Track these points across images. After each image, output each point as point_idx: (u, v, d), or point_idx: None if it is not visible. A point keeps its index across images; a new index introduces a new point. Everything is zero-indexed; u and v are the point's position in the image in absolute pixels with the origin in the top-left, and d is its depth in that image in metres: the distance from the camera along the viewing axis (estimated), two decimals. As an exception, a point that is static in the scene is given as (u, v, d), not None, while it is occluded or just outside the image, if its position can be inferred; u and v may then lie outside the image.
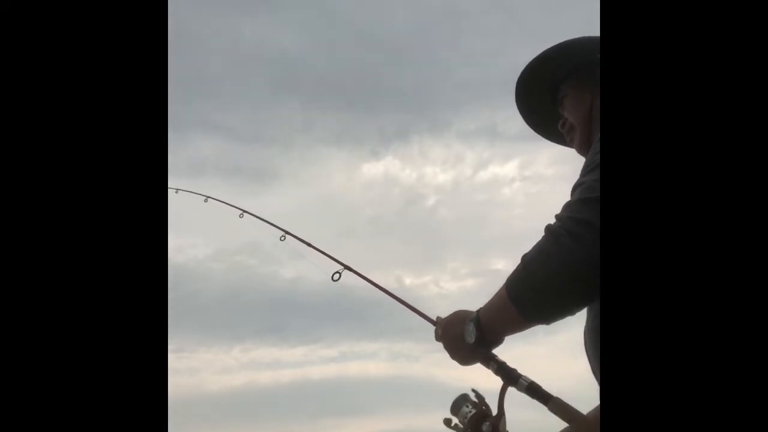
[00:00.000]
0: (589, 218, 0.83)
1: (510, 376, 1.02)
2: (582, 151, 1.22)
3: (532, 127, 1.37)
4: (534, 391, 0.99)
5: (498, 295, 0.98)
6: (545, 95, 1.29)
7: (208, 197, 2.27)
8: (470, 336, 1.02)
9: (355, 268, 1.60)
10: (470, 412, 1.06)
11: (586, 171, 0.91)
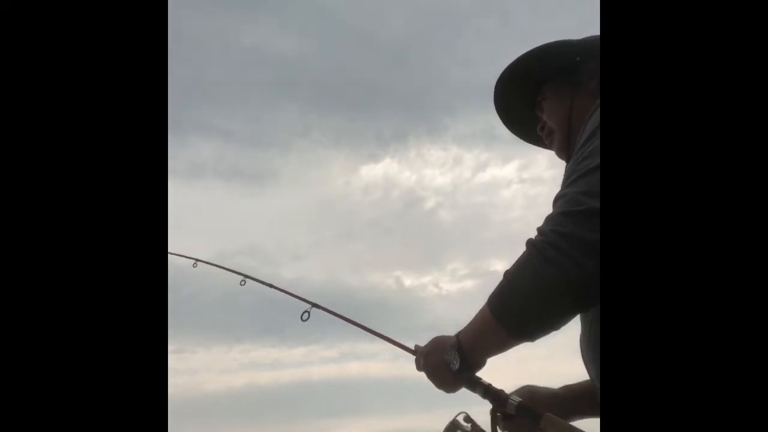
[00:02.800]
0: (573, 231, 0.81)
1: (498, 398, 1.01)
2: (561, 154, 1.21)
3: (510, 130, 1.36)
4: (524, 410, 0.98)
5: (480, 316, 0.96)
6: (524, 97, 1.27)
7: None
8: (453, 362, 1.00)
9: (323, 305, 1.50)
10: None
11: (567, 182, 0.89)
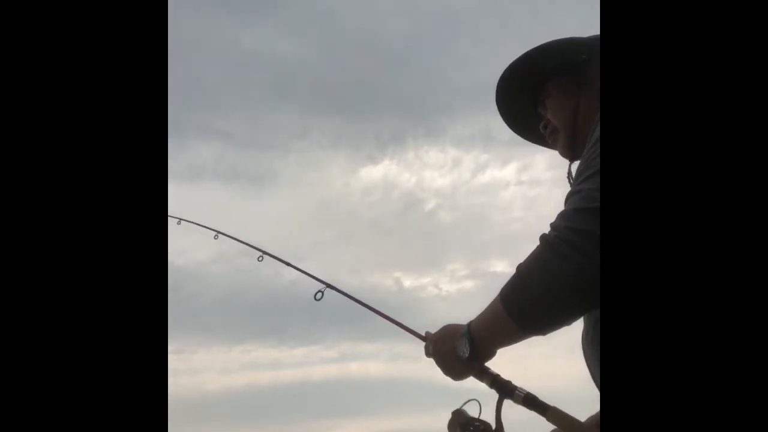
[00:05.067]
0: (588, 228, 0.81)
1: (505, 389, 1.02)
2: (565, 153, 1.20)
3: (511, 128, 1.34)
4: (531, 402, 0.98)
5: (492, 307, 0.96)
6: (527, 95, 1.25)
7: (181, 219, 2.14)
8: (463, 351, 1.01)
9: (337, 286, 1.53)
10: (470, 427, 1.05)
11: (582, 178, 0.89)
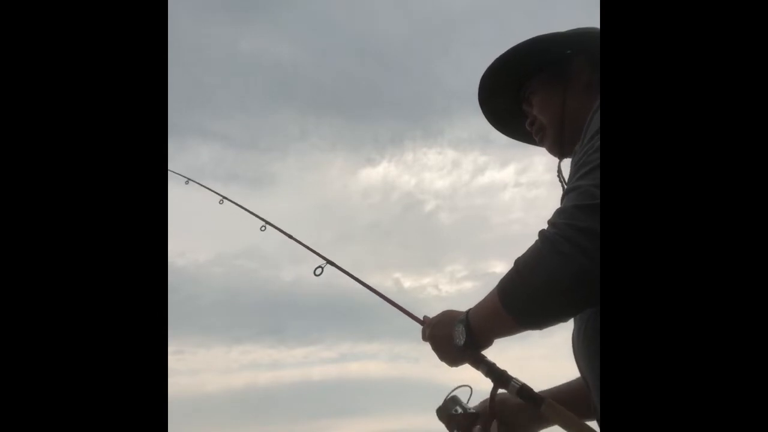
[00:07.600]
0: (589, 225, 0.79)
1: (501, 378, 1.00)
2: (554, 151, 1.17)
3: (495, 126, 1.31)
4: (525, 394, 0.97)
5: (490, 299, 0.95)
6: (511, 93, 1.22)
7: (189, 179, 2.11)
8: (459, 338, 1.00)
9: (338, 264, 1.51)
10: (461, 412, 1.05)
11: (580, 174, 0.86)
